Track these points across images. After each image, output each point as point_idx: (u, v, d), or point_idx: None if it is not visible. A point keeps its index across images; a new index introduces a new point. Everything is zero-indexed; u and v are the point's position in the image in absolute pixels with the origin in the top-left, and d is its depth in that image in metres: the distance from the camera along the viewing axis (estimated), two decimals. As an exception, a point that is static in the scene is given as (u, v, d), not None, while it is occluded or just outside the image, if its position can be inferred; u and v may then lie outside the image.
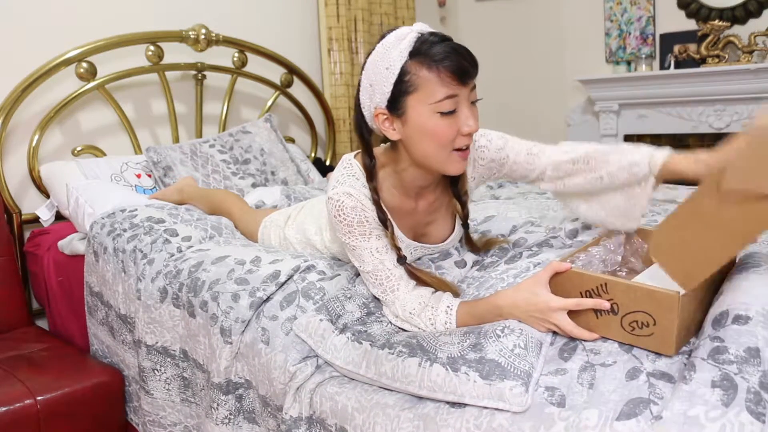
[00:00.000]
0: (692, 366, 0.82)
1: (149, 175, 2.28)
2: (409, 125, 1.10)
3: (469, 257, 1.34)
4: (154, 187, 2.25)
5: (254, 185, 2.35)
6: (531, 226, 1.44)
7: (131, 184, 2.21)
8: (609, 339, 0.96)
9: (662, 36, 3.28)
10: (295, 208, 1.63)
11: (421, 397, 0.99)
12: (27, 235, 2.18)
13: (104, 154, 2.36)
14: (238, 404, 1.28)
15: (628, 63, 3.36)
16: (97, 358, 1.81)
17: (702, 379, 0.79)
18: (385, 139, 1.19)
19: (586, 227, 1.37)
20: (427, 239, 1.31)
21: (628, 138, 3.45)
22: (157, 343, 1.50)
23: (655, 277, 1.04)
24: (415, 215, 1.27)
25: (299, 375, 1.14)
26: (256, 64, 2.79)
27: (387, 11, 3.29)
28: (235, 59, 2.71)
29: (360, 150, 1.21)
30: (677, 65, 3.18)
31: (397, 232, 1.23)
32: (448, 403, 0.94)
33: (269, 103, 2.90)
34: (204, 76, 2.63)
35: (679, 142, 3.32)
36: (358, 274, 1.32)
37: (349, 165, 1.21)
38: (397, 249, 1.19)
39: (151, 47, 2.39)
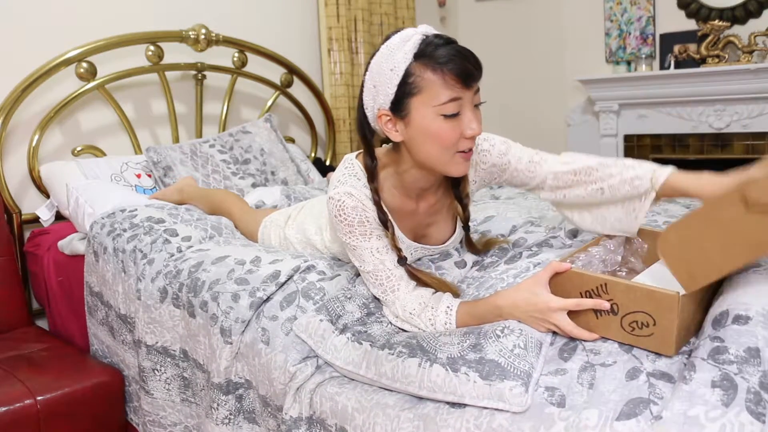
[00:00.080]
0: (692, 366, 0.82)
1: (149, 175, 2.28)
2: (413, 127, 1.10)
3: (469, 257, 1.34)
4: (154, 187, 2.25)
5: (254, 185, 2.35)
6: (531, 226, 1.44)
7: (131, 184, 2.21)
8: (609, 339, 0.96)
9: (662, 36, 3.28)
10: (295, 208, 1.63)
11: (421, 398, 0.99)
12: (27, 235, 2.18)
13: (104, 154, 2.36)
14: (238, 404, 1.28)
15: (628, 63, 3.36)
16: (97, 358, 1.81)
17: (702, 379, 0.79)
18: (386, 140, 1.19)
19: (586, 227, 1.37)
20: (427, 240, 1.31)
21: (628, 138, 3.45)
22: (157, 343, 1.50)
23: (655, 278, 1.04)
24: (416, 216, 1.27)
25: (299, 375, 1.14)
26: (256, 64, 2.79)
27: (387, 11, 3.29)
28: (235, 59, 2.71)
29: (362, 150, 1.21)
30: (677, 65, 3.19)
31: (398, 232, 1.23)
32: (448, 403, 0.95)
33: (269, 103, 2.90)
34: (204, 76, 2.63)
35: (679, 142, 3.32)
36: (358, 275, 1.32)
37: (351, 165, 1.21)
38: (398, 250, 1.19)
39: (151, 47, 2.39)
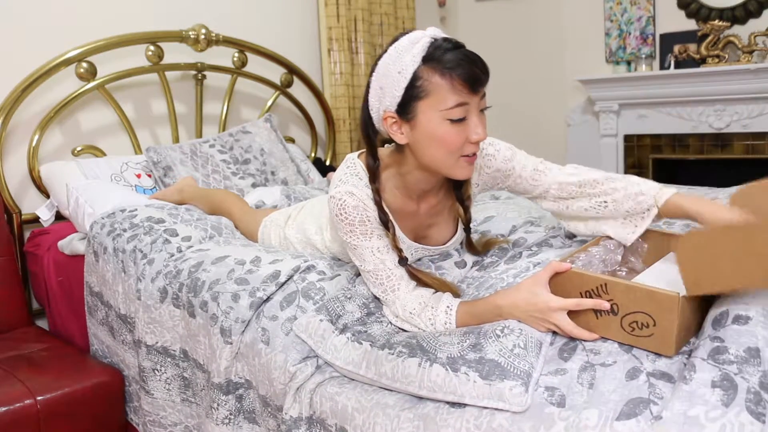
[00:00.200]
0: (692, 366, 0.82)
1: (149, 175, 2.28)
2: (418, 130, 1.10)
3: (469, 257, 1.34)
4: (154, 187, 2.25)
5: (254, 185, 2.35)
6: (531, 226, 1.44)
7: (131, 184, 2.21)
8: (609, 339, 0.96)
9: (662, 36, 3.28)
10: (295, 208, 1.63)
11: (421, 398, 0.99)
12: (27, 235, 2.18)
13: (104, 154, 2.36)
14: (239, 404, 1.28)
15: (628, 63, 3.36)
16: (97, 358, 1.81)
17: (702, 379, 0.79)
18: (388, 140, 1.19)
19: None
20: (427, 241, 1.32)
21: (628, 138, 3.46)
22: (157, 343, 1.50)
23: (655, 278, 1.04)
24: (417, 217, 1.27)
25: (299, 375, 1.14)
26: (256, 64, 2.79)
27: (387, 11, 3.29)
28: (235, 59, 2.71)
29: (364, 150, 1.21)
30: (677, 65, 3.19)
31: (399, 233, 1.23)
32: (448, 403, 0.95)
33: (269, 103, 2.90)
34: (204, 76, 2.63)
35: (679, 142, 3.32)
36: (358, 274, 1.32)
37: (353, 165, 1.21)
38: (399, 250, 1.19)
39: (151, 47, 2.39)
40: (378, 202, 1.17)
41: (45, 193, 2.19)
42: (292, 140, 3.00)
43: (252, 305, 1.28)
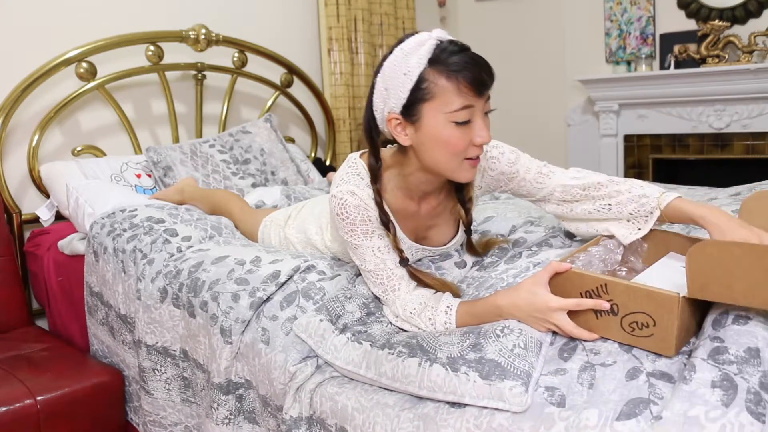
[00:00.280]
0: (692, 366, 0.82)
1: (149, 175, 2.28)
2: (423, 132, 1.10)
3: (469, 258, 1.34)
4: (154, 187, 2.25)
5: (254, 185, 2.35)
6: (530, 226, 1.44)
7: (131, 184, 2.21)
8: (609, 339, 0.96)
9: (662, 36, 3.28)
10: (295, 208, 1.63)
11: (421, 397, 0.99)
12: (27, 235, 2.18)
13: (104, 154, 2.36)
14: (239, 404, 1.28)
15: (628, 63, 3.36)
16: (97, 358, 1.81)
17: (702, 379, 0.79)
18: (390, 140, 1.19)
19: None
20: (428, 242, 1.32)
21: (628, 138, 3.46)
22: (157, 343, 1.50)
23: (655, 278, 1.04)
24: (418, 218, 1.27)
25: (299, 375, 1.14)
26: (256, 64, 2.79)
27: (387, 11, 3.29)
28: (235, 59, 2.71)
29: (366, 150, 1.21)
30: (677, 65, 3.19)
31: (399, 233, 1.23)
32: (448, 403, 0.95)
33: (269, 103, 2.90)
34: (204, 76, 2.63)
35: (679, 142, 3.32)
36: (358, 274, 1.32)
37: (354, 164, 1.21)
38: (400, 251, 1.19)
39: (151, 47, 2.39)
40: (379, 203, 1.17)
41: (45, 193, 2.19)
42: (292, 140, 3.00)
43: (252, 305, 1.28)
